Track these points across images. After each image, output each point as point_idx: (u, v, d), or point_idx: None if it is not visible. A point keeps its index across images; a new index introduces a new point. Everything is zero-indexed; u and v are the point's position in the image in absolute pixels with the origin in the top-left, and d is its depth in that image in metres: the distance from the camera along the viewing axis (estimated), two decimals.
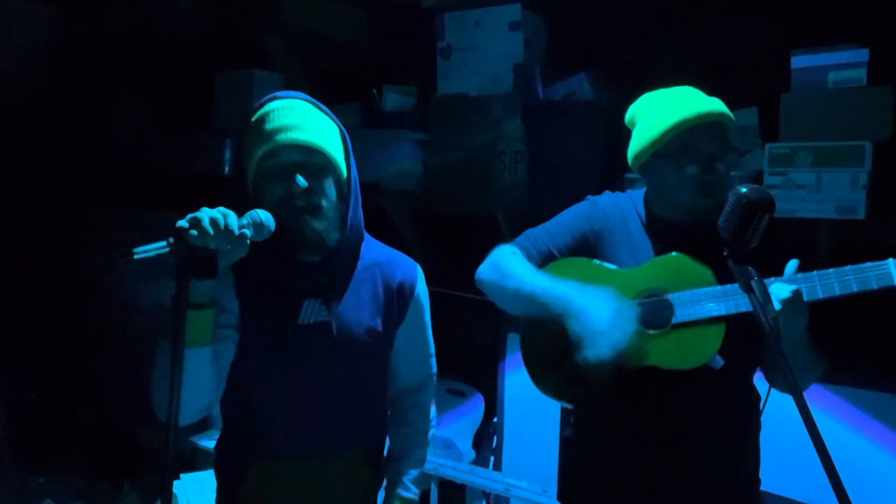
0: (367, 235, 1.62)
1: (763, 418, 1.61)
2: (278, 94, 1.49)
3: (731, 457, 1.59)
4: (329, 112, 1.51)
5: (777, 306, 1.33)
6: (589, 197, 1.72)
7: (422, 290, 1.65)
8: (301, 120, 1.43)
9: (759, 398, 1.62)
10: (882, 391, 2.23)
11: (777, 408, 1.55)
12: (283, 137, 1.40)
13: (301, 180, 1.39)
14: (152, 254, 1.16)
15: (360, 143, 3.29)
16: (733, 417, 1.59)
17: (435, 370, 1.73)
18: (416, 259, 1.69)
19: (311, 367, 1.50)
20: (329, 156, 1.44)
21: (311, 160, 1.42)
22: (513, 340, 2.96)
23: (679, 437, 1.55)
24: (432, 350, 1.71)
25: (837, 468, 1.15)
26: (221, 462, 1.62)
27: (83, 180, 3.56)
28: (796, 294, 1.35)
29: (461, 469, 2.96)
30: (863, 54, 2.20)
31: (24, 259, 3.40)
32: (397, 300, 1.58)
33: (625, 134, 1.68)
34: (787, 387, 1.29)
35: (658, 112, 1.56)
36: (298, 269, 1.48)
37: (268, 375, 1.49)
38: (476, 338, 3.25)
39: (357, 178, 1.54)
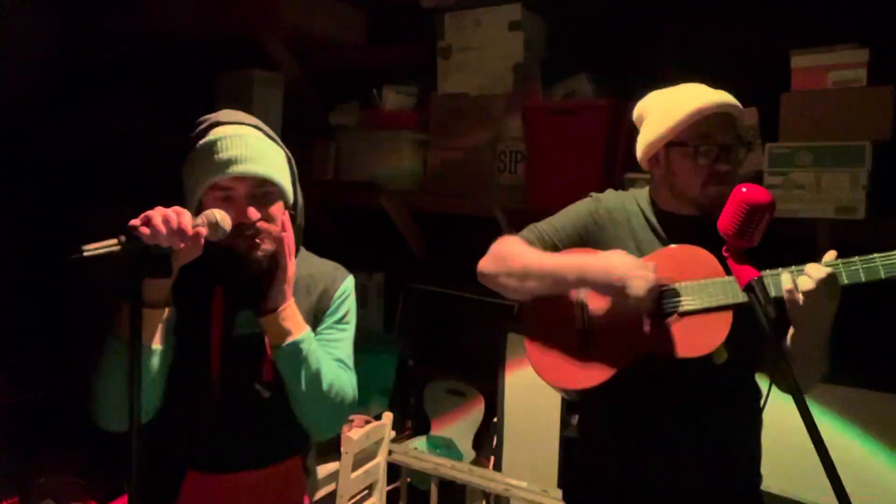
0: (302, 249, 1.61)
1: (763, 418, 1.62)
2: (221, 116, 1.48)
3: (733, 452, 1.59)
4: (274, 136, 1.51)
5: (811, 285, 1.33)
6: (592, 193, 1.73)
7: (345, 295, 1.60)
8: (252, 151, 1.42)
9: (760, 394, 1.62)
10: (882, 391, 2.23)
11: (777, 407, 1.55)
12: (235, 170, 1.39)
13: (254, 213, 1.40)
14: (102, 251, 1.15)
15: (360, 143, 3.33)
16: (735, 413, 1.59)
17: (347, 387, 1.53)
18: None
19: (245, 378, 1.48)
20: (279, 185, 1.45)
21: (261, 191, 1.42)
22: (513, 340, 2.95)
23: (681, 431, 1.55)
24: (347, 363, 1.56)
25: (837, 468, 1.15)
26: (148, 475, 1.54)
27: (83, 180, 3.56)
28: (832, 276, 1.34)
29: (461, 469, 2.97)
30: (863, 54, 2.20)
31: (24, 259, 3.40)
32: (322, 305, 1.56)
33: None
34: (787, 386, 1.29)
35: (671, 104, 1.57)
36: (234, 281, 1.47)
37: (200, 386, 1.46)
38: (476, 338, 3.25)
39: (301, 198, 1.55)
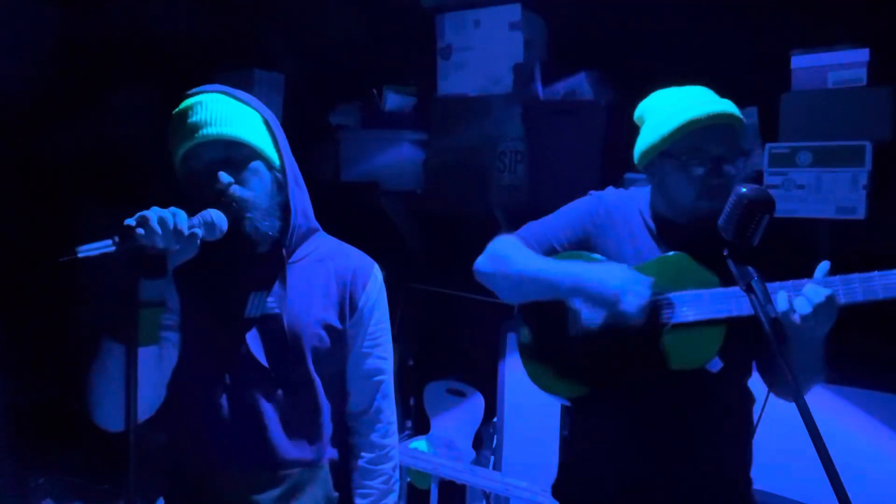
0: (322, 231, 1.57)
1: (763, 418, 1.61)
2: (195, 89, 1.45)
3: (726, 458, 1.58)
4: (251, 100, 1.46)
5: (808, 310, 1.30)
6: (592, 192, 1.70)
7: (375, 286, 1.55)
8: (217, 114, 1.38)
9: (753, 400, 1.61)
10: (882, 391, 2.23)
11: (777, 408, 1.55)
12: (201, 134, 1.36)
13: (224, 176, 1.36)
14: (97, 252, 1.14)
15: (360, 143, 3.33)
16: (728, 419, 1.58)
17: (387, 389, 1.57)
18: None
19: (261, 364, 1.41)
20: (253, 146, 1.40)
21: (234, 154, 1.38)
22: (513, 340, 2.95)
23: (674, 438, 1.54)
24: (386, 364, 1.56)
25: (837, 468, 1.14)
26: (167, 475, 1.50)
27: (82, 180, 3.56)
28: (830, 299, 1.31)
29: (461, 469, 2.96)
30: (863, 54, 2.20)
31: (24, 259, 3.40)
32: (350, 293, 1.50)
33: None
34: (786, 389, 1.29)
35: (667, 111, 1.54)
36: (242, 261, 1.43)
37: (214, 376, 1.41)
38: (476, 338, 3.25)
39: (294, 164, 1.49)
